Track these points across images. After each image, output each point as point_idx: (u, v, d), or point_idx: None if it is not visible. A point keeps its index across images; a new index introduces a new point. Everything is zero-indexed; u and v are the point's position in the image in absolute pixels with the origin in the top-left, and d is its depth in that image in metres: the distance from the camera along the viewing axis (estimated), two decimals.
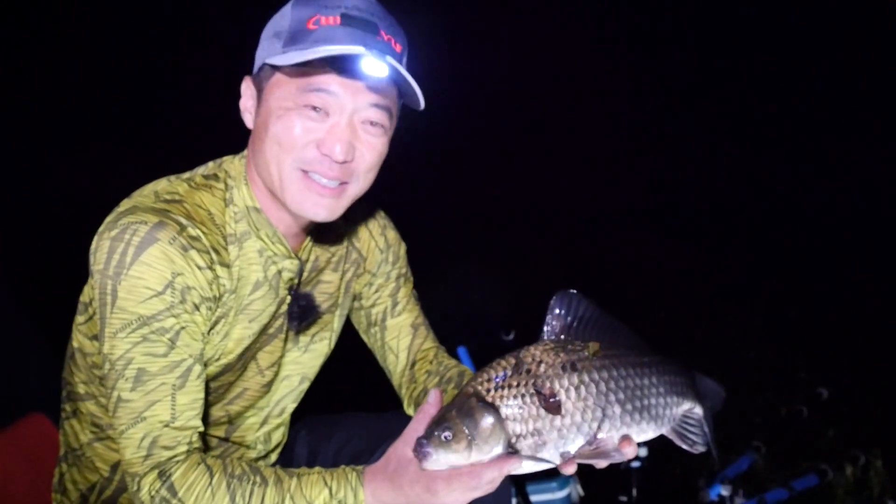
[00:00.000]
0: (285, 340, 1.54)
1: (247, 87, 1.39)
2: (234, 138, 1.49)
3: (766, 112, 8.74)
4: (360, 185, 1.38)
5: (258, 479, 1.26)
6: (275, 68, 1.31)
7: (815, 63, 8.43)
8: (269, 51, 1.31)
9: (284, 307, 1.49)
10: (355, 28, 1.25)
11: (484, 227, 7.13)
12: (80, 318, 1.45)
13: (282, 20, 1.31)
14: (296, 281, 1.49)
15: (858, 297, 5.29)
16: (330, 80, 1.28)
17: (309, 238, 1.51)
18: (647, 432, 1.24)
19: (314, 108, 1.29)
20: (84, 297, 1.44)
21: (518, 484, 2.41)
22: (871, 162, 7.51)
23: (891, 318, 4.68)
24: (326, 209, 1.35)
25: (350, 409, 1.85)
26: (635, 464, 2.71)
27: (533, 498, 2.47)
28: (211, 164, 1.46)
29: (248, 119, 1.39)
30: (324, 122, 1.30)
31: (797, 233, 6.72)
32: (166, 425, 1.26)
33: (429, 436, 1.17)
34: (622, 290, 5.31)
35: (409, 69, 1.33)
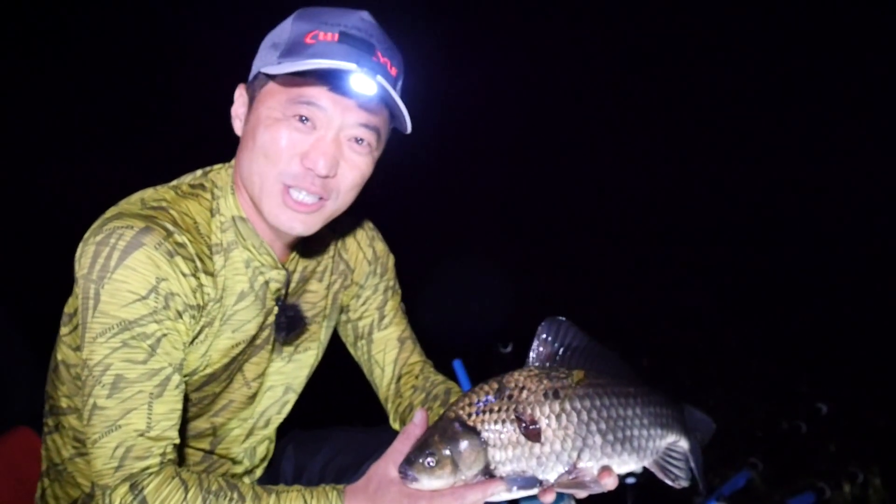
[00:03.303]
0: (271, 351, 1.53)
1: (240, 95, 1.39)
2: (228, 147, 1.48)
3: (764, 124, 8.70)
4: (338, 202, 1.37)
5: (235, 495, 1.24)
6: (268, 77, 1.32)
7: (800, 65, 8.38)
8: (265, 60, 1.32)
9: (271, 318, 1.48)
10: (351, 46, 1.26)
11: (482, 237, 7.11)
12: (64, 330, 1.43)
13: (281, 32, 1.32)
14: (283, 292, 1.48)
15: (859, 310, 5.25)
16: (320, 94, 1.28)
17: (296, 248, 1.51)
18: (629, 464, 1.23)
19: (301, 118, 1.29)
20: (68, 308, 1.42)
21: (512, 500, 2.39)
22: (875, 175, 7.47)
23: (892, 332, 4.64)
24: (303, 224, 1.35)
25: (339, 424, 1.84)
26: (630, 480, 2.69)
27: None
28: (199, 172, 1.45)
29: (238, 126, 1.40)
30: (310, 135, 1.30)
31: (797, 246, 6.69)
32: (141, 434, 1.24)
33: (413, 462, 1.17)
34: (621, 300, 5.30)
35: (403, 95, 1.32)
